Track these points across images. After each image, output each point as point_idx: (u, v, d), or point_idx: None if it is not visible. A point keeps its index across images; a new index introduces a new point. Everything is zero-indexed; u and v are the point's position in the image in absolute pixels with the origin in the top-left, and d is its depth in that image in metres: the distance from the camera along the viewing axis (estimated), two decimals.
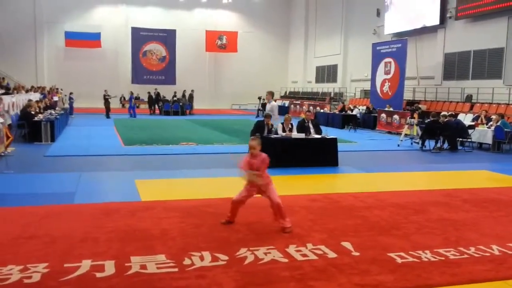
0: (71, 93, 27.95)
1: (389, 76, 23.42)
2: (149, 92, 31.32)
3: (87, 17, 35.94)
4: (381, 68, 24.03)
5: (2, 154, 11.27)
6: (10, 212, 6.50)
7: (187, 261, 4.68)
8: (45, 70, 35.24)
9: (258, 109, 30.10)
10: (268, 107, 12.22)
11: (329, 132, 12.02)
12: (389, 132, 19.85)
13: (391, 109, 20.98)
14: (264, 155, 5.95)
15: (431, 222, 6.33)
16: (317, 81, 36.64)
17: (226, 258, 4.80)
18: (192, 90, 32.27)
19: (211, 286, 4.14)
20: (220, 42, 38.46)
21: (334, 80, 33.96)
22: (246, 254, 4.93)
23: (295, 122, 11.84)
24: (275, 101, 14.81)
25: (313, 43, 37.01)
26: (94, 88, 32.49)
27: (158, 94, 31.58)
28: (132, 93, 28.10)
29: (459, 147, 14.67)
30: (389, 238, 5.61)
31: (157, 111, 31.07)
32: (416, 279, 4.40)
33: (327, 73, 35.28)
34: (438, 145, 14.49)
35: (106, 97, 26.68)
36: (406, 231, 5.89)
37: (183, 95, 31.88)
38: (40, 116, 15.73)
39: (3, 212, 6.53)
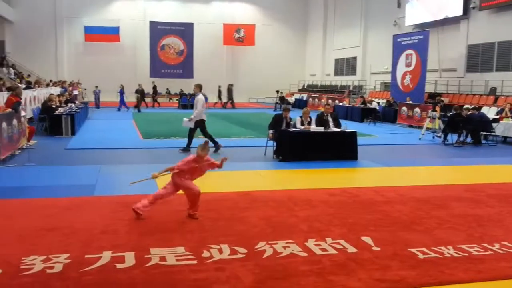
0: (96, 87, 28.08)
1: (410, 69, 23.05)
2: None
3: (105, 12, 36.17)
4: (402, 60, 23.66)
5: (24, 147, 11.46)
6: (32, 204, 6.60)
7: (205, 254, 4.69)
8: (65, 65, 35.62)
9: (276, 103, 29.98)
10: (195, 100, 11.90)
11: (348, 126, 11.90)
12: (410, 126, 19.57)
13: (410, 102, 20.71)
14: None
15: (453, 218, 6.22)
16: (335, 74, 36.30)
17: (245, 251, 4.79)
18: (232, 84, 32.15)
19: (230, 279, 4.13)
20: (237, 35, 38.36)
21: (353, 72, 33.61)
22: (265, 247, 4.91)
23: (313, 116, 11.74)
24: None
25: (332, 36, 36.63)
26: (113, 82, 32.55)
27: (155, 87, 31.44)
28: (122, 87, 27.32)
29: (483, 141, 14.38)
30: (411, 233, 5.52)
31: (156, 105, 30.75)
32: (439, 275, 4.32)
33: (346, 66, 34.92)
34: (461, 139, 14.21)
35: (140, 90, 26.80)
36: (428, 226, 5.79)
37: (228, 89, 31.70)
38: (61, 109, 15.92)
39: (26, 203, 6.64)
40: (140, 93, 26.95)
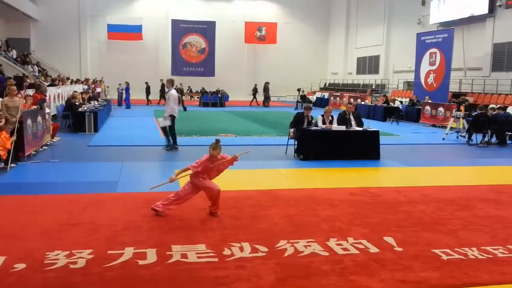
0: (120, 85, 28.32)
1: (434, 67, 22.69)
2: (146, 82, 30.69)
3: (128, 10, 36.53)
4: (425, 59, 23.31)
5: (48, 143, 11.67)
6: (56, 200, 6.71)
7: (226, 252, 4.70)
8: (88, 62, 36.15)
9: (297, 101, 29.88)
10: (166, 96, 11.75)
11: (371, 125, 11.77)
12: (434, 125, 19.26)
13: (429, 100, 20.40)
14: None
15: (478, 219, 6.10)
16: (358, 72, 35.98)
17: (266, 249, 4.78)
18: (268, 82, 32.09)
19: (251, 277, 4.13)
20: (259, 34, 38.33)
21: (376, 71, 33.26)
22: (286, 246, 4.89)
23: (335, 114, 11.66)
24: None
25: (354, 34, 36.29)
26: (135, 79, 32.82)
27: (163, 86, 31.35)
28: (127, 84, 27.59)
29: (508, 141, 14.07)
30: (434, 234, 5.44)
31: (162, 102, 29.96)
32: (463, 277, 4.24)
33: (368, 64, 34.58)
34: (486, 139, 13.93)
35: (181, 89, 26.94)
36: (452, 227, 5.69)
37: (264, 87, 31.68)
38: (84, 107, 16.15)
39: (49, 199, 6.75)
40: (180, 91, 26.95)
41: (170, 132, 11.69)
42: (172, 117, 11.58)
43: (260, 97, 32.25)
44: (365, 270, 4.34)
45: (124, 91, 27.32)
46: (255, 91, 32.60)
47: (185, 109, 25.36)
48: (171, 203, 5.92)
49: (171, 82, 11.85)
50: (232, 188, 7.48)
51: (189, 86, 35.41)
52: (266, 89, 31.70)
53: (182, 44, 37.08)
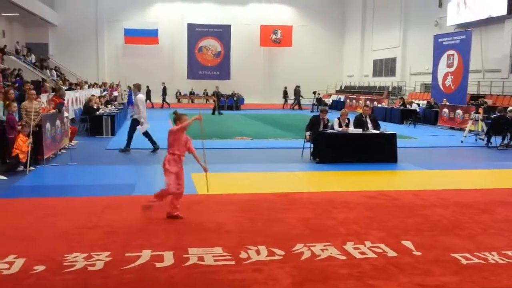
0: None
1: (451, 69, 22.42)
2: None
3: (144, 15, 36.86)
4: (443, 61, 23.04)
5: (67, 147, 11.82)
6: (74, 202, 6.79)
7: (243, 255, 4.69)
8: (106, 67, 36.53)
9: (313, 104, 29.78)
10: (134, 100, 11.65)
11: (387, 127, 11.67)
12: (452, 128, 19.04)
13: (447, 103, 20.16)
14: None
15: (497, 223, 6.01)
16: (374, 75, 35.71)
17: (283, 253, 4.77)
18: (299, 86, 32.10)
19: (267, 281, 4.12)
20: (274, 37, 38.33)
21: (392, 73, 32.97)
22: (303, 250, 4.87)
23: (351, 117, 11.59)
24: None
25: (370, 36, 36.06)
26: (151, 83, 32.95)
27: (165, 88, 31.36)
28: (130, 88, 27.72)
29: None
30: (453, 238, 5.36)
31: (165, 105, 30.58)
32: (483, 281, 4.18)
33: (385, 67, 34.30)
34: (505, 141, 13.71)
35: (217, 92, 26.88)
36: (471, 232, 5.62)
37: (295, 90, 31.75)
38: (101, 110, 16.32)
39: (68, 202, 6.83)
40: (217, 95, 26.97)
41: (128, 133, 11.62)
42: (136, 120, 11.54)
43: (291, 100, 32.25)
44: (383, 274, 4.30)
45: (127, 95, 27.51)
46: (285, 94, 32.62)
47: (220, 113, 25.12)
48: (177, 200, 5.94)
49: (137, 87, 11.81)
50: (248, 191, 7.50)
51: (205, 89, 35.54)
52: (296, 92, 31.66)
53: (198, 47, 37.29)
